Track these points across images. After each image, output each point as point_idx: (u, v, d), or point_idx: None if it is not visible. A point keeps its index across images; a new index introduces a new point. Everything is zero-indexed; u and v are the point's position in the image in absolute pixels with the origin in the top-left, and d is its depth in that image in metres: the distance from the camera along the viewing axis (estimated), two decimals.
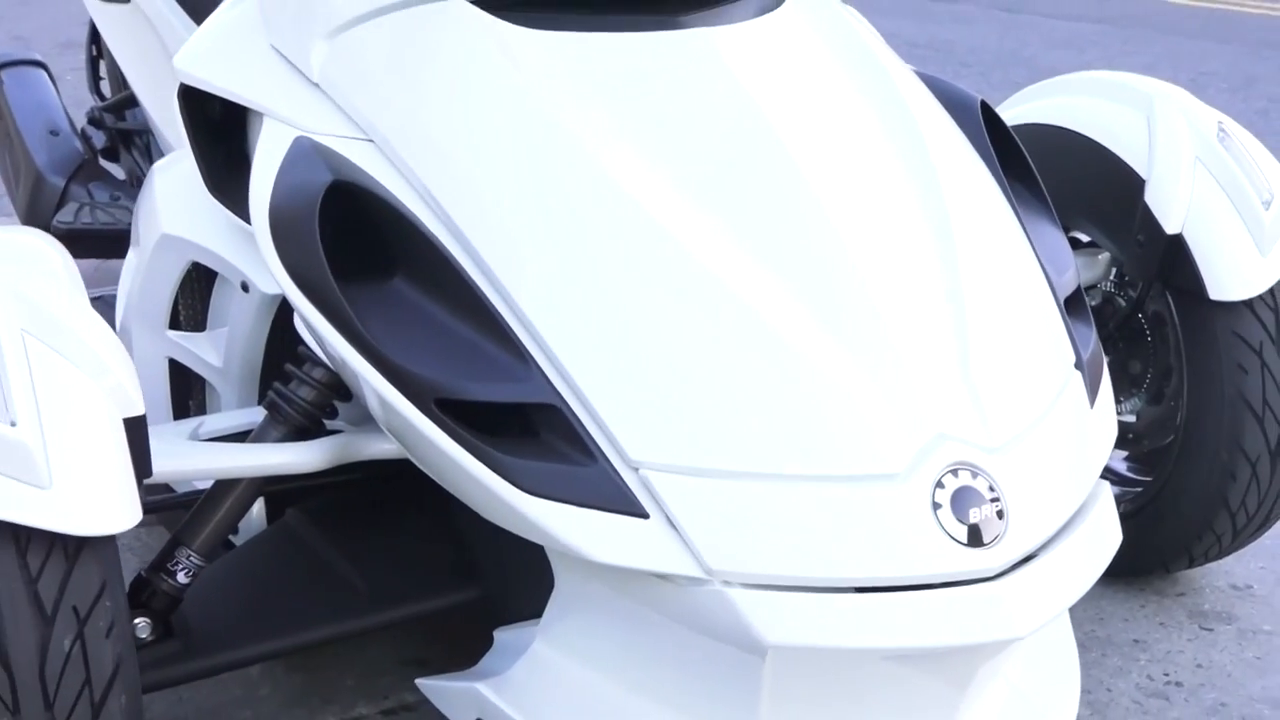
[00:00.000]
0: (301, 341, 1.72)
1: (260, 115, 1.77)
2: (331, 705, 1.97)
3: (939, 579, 1.41)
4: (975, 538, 1.42)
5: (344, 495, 1.93)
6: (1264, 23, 8.43)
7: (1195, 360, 2.04)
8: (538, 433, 1.47)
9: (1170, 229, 1.99)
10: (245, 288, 1.81)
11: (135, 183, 3.04)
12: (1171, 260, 2.01)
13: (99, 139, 3.11)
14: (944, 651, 1.43)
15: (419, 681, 1.70)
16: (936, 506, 1.42)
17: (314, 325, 1.53)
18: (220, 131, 1.87)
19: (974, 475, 1.45)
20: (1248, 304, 1.99)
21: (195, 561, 1.63)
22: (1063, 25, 7.96)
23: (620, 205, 1.55)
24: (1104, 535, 1.56)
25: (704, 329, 1.48)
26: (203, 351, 1.90)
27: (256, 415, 1.78)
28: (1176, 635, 2.14)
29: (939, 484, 1.43)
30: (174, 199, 1.91)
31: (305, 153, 1.62)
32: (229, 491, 1.68)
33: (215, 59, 1.82)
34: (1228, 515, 2.06)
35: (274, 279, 1.76)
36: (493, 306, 1.50)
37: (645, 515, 1.41)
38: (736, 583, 1.39)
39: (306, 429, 1.72)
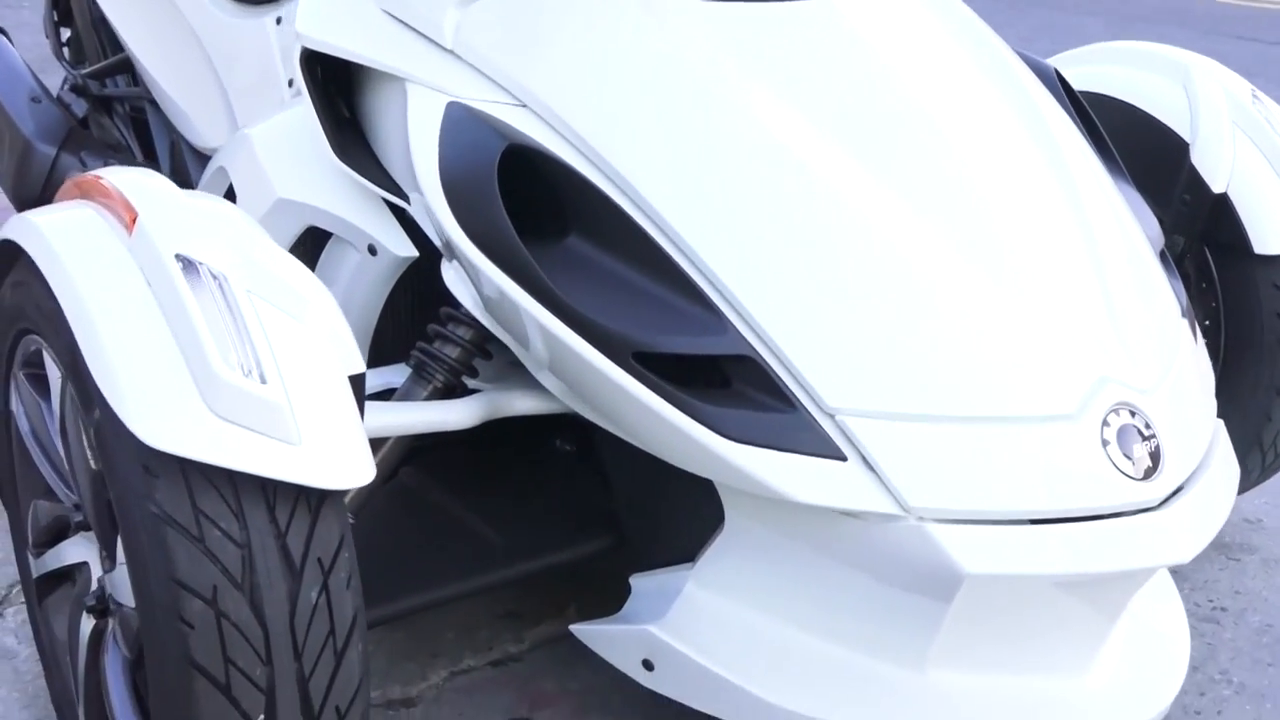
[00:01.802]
0: (446, 302, 1.75)
1: (390, 80, 1.78)
2: (439, 659, 2.01)
3: (1111, 510, 1.52)
4: (1140, 471, 1.53)
5: (453, 453, 1.96)
6: None
7: (1235, 311, 2.18)
8: (730, 383, 1.53)
9: (1217, 188, 2.13)
10: (373, 250, 1.83)
11: (123, 150, 2.99)
12: (1216, 217, 2.15)
13: (79, 107, 3.06)
14: (1113, 577, 1.54)
15: (575, 628, 1.75)
16: (1105, 443, 1.52)
17: (499, 287, 1.56)
18: (334, 97, 1.88)
19: (1132, 414, 1.56)
20: None
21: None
22: None
23: (792, 159, 1.61)
24: (1229, 465, 1.69)
25: (886, 279, 1.56)
26: None
27: (383, 377, 1.82)
28: (1209, 566, 2.30)
29: (1105, 423, 1.53)
30: (284, 162, 1.91)
31: (464, 118, 1.65)
32: (376, 451, 1.71)
33: (337, 24, 1.82)
34: (1259, 453, 2.22)
35: (404, 242, 1.80)
36: (677, 262, 1.56)
37: (844, 458, 1.49)
38: (931, 518, 1.48)
39: (452, 388, 1.75)
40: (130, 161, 2.87)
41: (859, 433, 1.49)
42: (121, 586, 1.43)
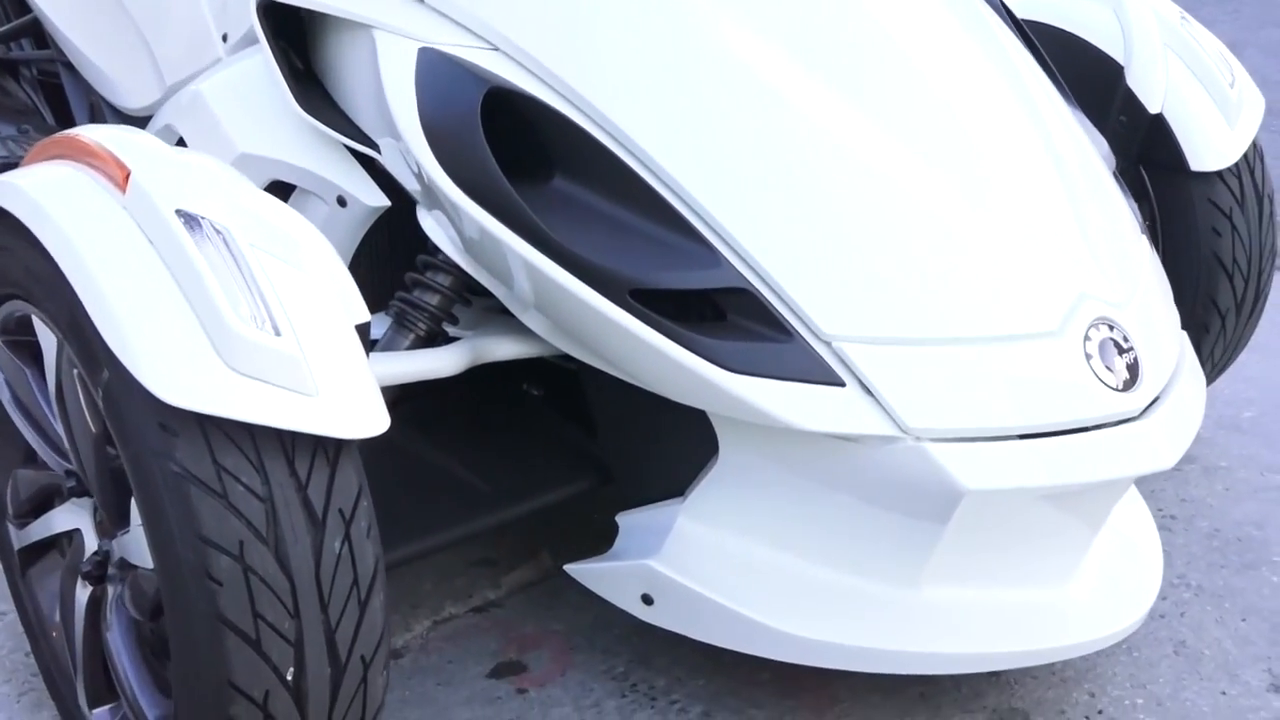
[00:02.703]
0: (421, 250, 1.75)
1: (352, 29, 1.77)
2: (420, 610, 2.02)
3: (1097, 421, 1.57)
4: (1123, 382, 1.59)
5: (425, 404, 1.96)
6: None
7: (1172, 227, 2.26)
8: (725, 316, 1.55)
9: (1153, 109, 2.20)
10: (342, 202, 1.81)
11: (33, 114, 2.92)
12: (1153, 137, 2.22)
13: None
14: (1098, 486, 1.60)
15: (570, 568, 1.77)
16: (1089, 357, 1.58)
17: (488, 230, 1.57)
18: (285, 49, 1.86)
19: (1110, 328, 1.61)
20: (1219, 174, 2.22)
21: None
22: None
23: (773, 92, 1.63)
24: (1197, 374, 1.76)
25: (873, 208, 1.59)
26: None
27: None
28: (1154, 477, 2.37)
29: (1086, 337, 1.59)
30: (242, 117, 1.89)
31: (439, 63, 1.64)
32: None
33: None
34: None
35: (375, 192, 1.79)
36: (666, 199, 1.57)
37: (842, 384, 1.52)
38: (929, 438, 1.52)
39: (434, 335, 1.75)
40: (41, 125, 2.80)
41: (856, 358, 1.52)
42: (135, 548, 1.41)
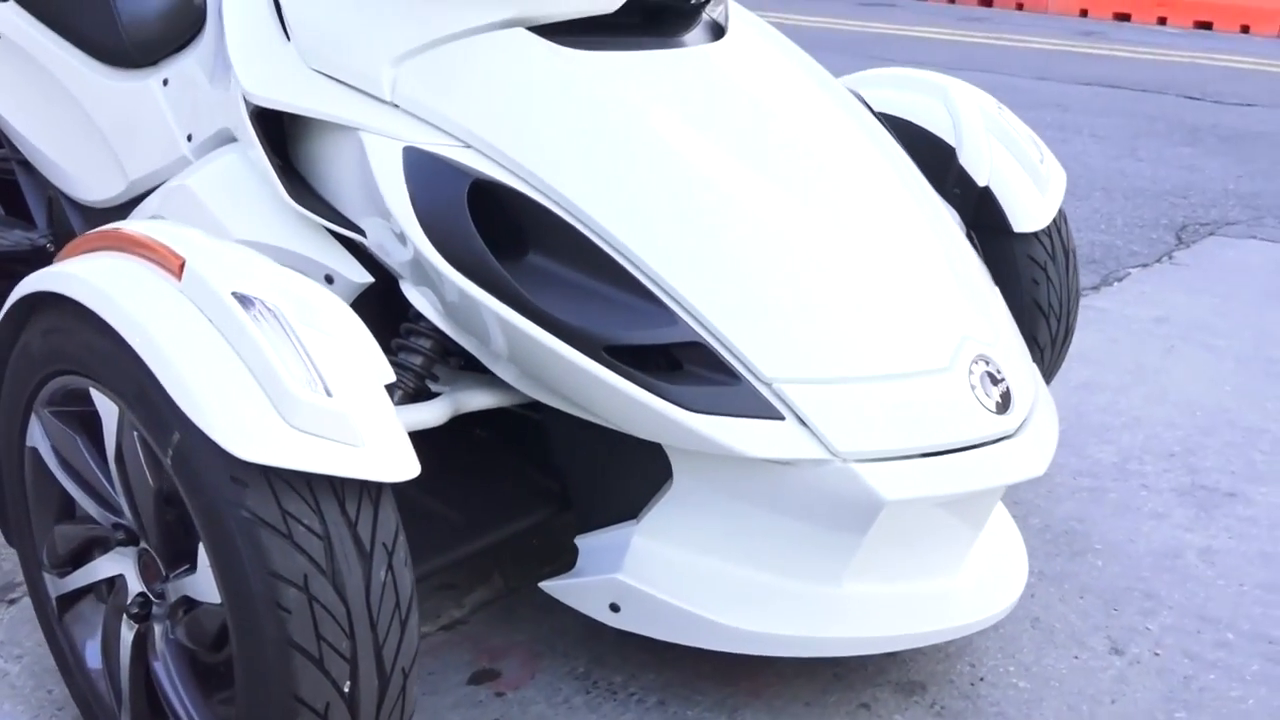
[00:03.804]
0: (403, 319, 1.81)
1: (335, 130, 1.81)
2: None
3: (983, 439, 1.72)
4: (999, 407, 1.74)
5: None
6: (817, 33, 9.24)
7: (1000, 279, 2.43)
8: (681, 366, 1.65)
9: (981, 183, 2.38)
10: (329, 279, 1.85)
11: None
12: (981, 206, 2.39)
13: None
14: (984, 493, 1.74)
15: (544, 585, 1.83)
16: (973, 388, 1.72)
17: (478, 301, 1.64)
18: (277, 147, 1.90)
19: (986, 363, 1.76)
20: (1036, 235, 2.41)
21: None
22: None
23: (711, 181, 1.74)
24: (1049, 399, 1.92)
25: (798, 272, 1.71)
26: None
27: None
28: None
29: (970, 371, 1.73)
30: (231, 207, 1.91)
31: (424, 160, 1.71)
32: None
33: (279, 84, 1.83)
34: None
35: (360, 270, 1.84)
36: (627, 269, 1.66)
37: (782, 417, 1.63)
38: (854, 459, 1.64)
39: (420, 392, 1.81)
40: None
41: (792, 396, 1.64)
42: (201, 587, 1.44)
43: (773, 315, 1.67)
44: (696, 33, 1.96)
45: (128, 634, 1.60)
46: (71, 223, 2.58)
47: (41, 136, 2.53)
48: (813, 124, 1.91)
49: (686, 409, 1.61)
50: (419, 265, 1.71)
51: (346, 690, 1.38)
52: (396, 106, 1.78)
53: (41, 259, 2.68)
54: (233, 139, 2.03)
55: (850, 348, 1.68)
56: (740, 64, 1.95)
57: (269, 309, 1.39)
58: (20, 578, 2.13)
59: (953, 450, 1.69)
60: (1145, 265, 4.10)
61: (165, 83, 2.26)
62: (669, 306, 1.65)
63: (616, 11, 1.82)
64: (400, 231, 1.69)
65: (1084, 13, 11.54)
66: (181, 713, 1.55)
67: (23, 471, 1.68)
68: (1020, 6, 11.98)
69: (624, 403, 1.63)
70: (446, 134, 1.75)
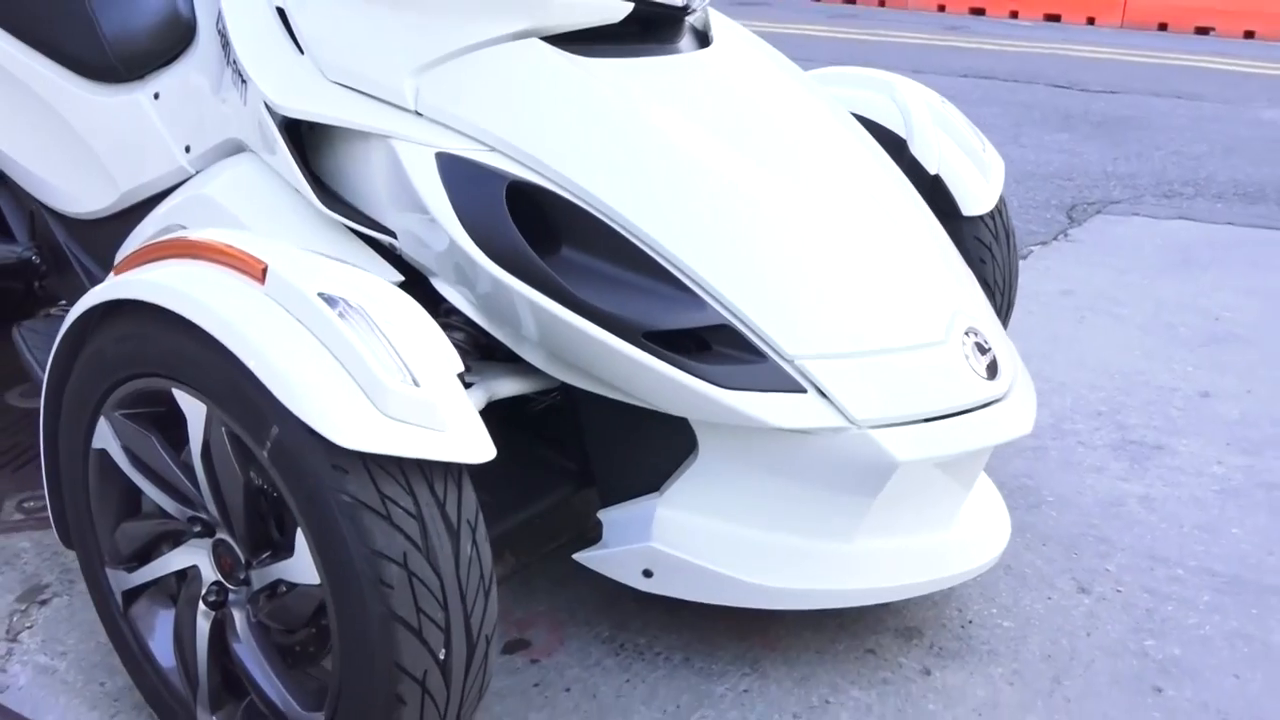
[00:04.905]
0: (441, 313, 1.86)
1: (362, 138, 1.85)
2: None
3: (978, 404, 1.83)
4: (989, 374, 1.86)
5: None
6: None
7: None
8: (710, 347, 1.74)
9: (931, 170, 2.50)
10: None
11: None
12: (932, 192, 2.52)
13: None
14: (977, 453, 1.86)
15: (578, 556, 1.90)
16: (966, 358, 1.84)
17: (519, 294, 1.70)
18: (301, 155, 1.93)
19: (975, 335, 1.88)
20: (982, 218, 2.55)
21: None
22: None
23: (733, 178, 1.82)
24: (1023, 366, 2.05)
25: (814, 259, 1.81)
26: None
27: None
28: None
29: (963, 342, 1.85)
30: (258, 213, 1.94)
31: (458, 164, 1.76)
32: None
33: (305, 96, 1.86)
34: None
35: (389, 269, 1.89)
36: (657, 260, 1.74)
37: (804, 390, 1.73)
38: (869, 426, 1.75)
39: None
40: None
41: (813, 371, 1.73)
42: (298, 569, 1.48)
43: (791, 298, 1.77)
44: (687, 40, 2.05)
45: (203, 622, 1.63)
46: (55, 235, 2.57)
47: (21, 152, 2.51)
48: (802, 121, 2.01)
49: (719, 386, 1.70)
50: (453, 261, 1.77)
51: (442, 657, 1.44)
52: (420, 115, 1.82)
53: (28, 270, 2.66)
54: (240, 149, 2.06)
55: (860, 325, 1.79)
56: (732, 67, 2.03)
57: (353, 307, 1.45)
58: (49, 579, 2.14)
59: (953, 414, 1.81)
60: (1044, 243, 4.30)
61: (156, 96, 2.27)
62: (697, 293, 1.73)
63: (619, 21, 1.89)
64: (441, 231, 1.75)
65: (941, 8, 11.90)
66: (266, 688, 1.59)
67: (86, 474, 1.70)
68: (883, 3, 12.29)
69: (661, 383, 1.71)
70: (471, 139, 1.80)
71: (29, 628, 2.01)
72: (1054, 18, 11.28)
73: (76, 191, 2.44)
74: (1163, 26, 10.84)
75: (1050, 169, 5.33)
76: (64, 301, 2.60)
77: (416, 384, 1.42)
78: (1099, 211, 4.71)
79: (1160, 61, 8.69)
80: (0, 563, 2.18)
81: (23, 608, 2.06)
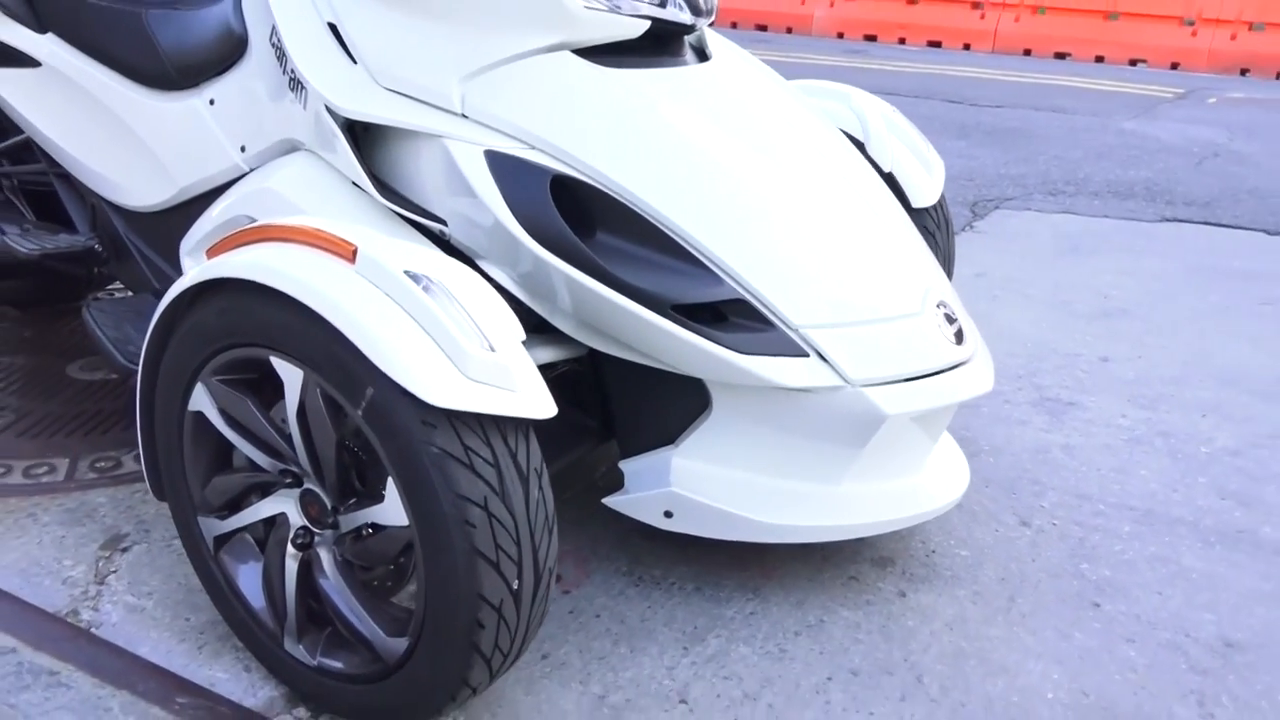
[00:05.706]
0: None
1: (416, 137, 1.83)
2: None
3: (950, 364, 1.87)
4: (957, 340, 1.89)
5: None
6: None
7: None
8: (726, 318, 1.75)
9: (886, 169, 2.53)
10: None
11: (16, 216, 2.75)
12: (888, 187, 2.55)
13: None
14: (946, 408, 1.89)
15: (607, 500, 1.90)
16: (939, 326, 1.87)
17: (562, 273, 1.70)
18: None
19: (944, 307, 1.91)
20: (928, 210, 2.58)
21: None
22: None
23: (731, 167, 1.83)
24: (979, 334, 2.08)
25: (813, 241, 1.82)
26: None
27: None
28: None
29: (935, 314, 1.88)
30: (320, 203, 1.91)
31: (506, 160, 1.75)
32: None
33: (365, 101, 1.84)
34: None
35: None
36: (680, 243, 1.75)
37: (807, 355, 1.75)
38: (861, 384, 1.77)
39: None
40: (20, 222, 2.66)
41: (814, 337, 1.75)
42: (388, 514, 1.46)
43: (794, 275, 1.78)
44: (690, 54, 2.05)
45: (291, 562, 1.62)
46: (114, 226, 2.51)
47: (86, 152, 2.45)
48: (791, 123, 2.03)
49: (736, 351, 1.71)
50: (500, 244, 1.76)
51: (515, 587, 1.44)
52: (466, 117, 1.81)
53: (90, 257, 2.60)
54: (294, 148, 2.03)
55: (851, 298, 1.81)
56: (730, 77, 2.04)
57: (434, 283, 1.43)
58: (127, 529, 2.10)
59: (930, 374, 1.84)
60: (955, 233, 4.37)
61: (211, 102, 2.23)
62: (715, 271, 1.74)
63: (636, 37, 1.89)
64: (491, 217, 1.74)
65: (840, 35, 11.98)
66: (352, 618, 1.58)
67: (181, 433, 1.67)
68: (790, 30, 12.35)
69: (686, 349, 1.72)
70: (514, 139, 1.79)
71: (114, 572, 1.97)
72: (936, 44, 11.42)
73: (136, 187, 2.39)
74: (1027, 52, 11.02)
75: (953, 171, 5.40)
76: (119, 284, 2.55)
77: (492, 349, 1.42)
78: (997, 207, 4.79)
79: (1034, 81, 8.84)
80: (82, 515, 2.13)
81: (106, 555, 2.02)
